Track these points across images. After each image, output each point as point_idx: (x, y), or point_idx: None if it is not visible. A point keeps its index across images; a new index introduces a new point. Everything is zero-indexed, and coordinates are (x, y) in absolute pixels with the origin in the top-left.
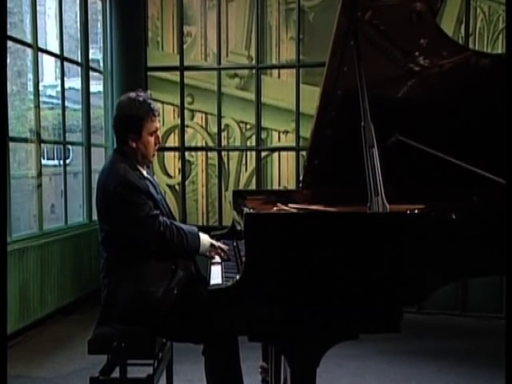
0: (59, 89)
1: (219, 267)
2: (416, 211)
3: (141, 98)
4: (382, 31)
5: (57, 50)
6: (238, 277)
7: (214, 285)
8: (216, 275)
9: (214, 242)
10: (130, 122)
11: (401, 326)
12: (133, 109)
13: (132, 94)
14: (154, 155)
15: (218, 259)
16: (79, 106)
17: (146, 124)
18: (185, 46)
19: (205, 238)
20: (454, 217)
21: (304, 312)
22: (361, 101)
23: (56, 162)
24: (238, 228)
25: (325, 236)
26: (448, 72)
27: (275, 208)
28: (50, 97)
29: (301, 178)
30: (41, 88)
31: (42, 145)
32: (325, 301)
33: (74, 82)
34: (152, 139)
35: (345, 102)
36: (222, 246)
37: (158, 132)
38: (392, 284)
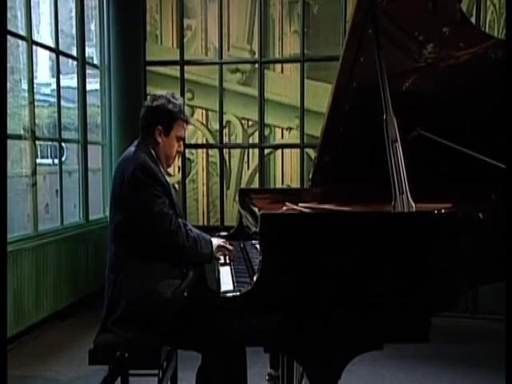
0: (54, 87)
1: (228, 269)
2: (443, 211)
3: (177, 102)
4: (396, 21)
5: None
6: (251, 282)
7: (226, 291)
8: (226, 280)
9: (221, 243)
10: (164, 115)
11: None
12: (169, 105)
13: (168, 94)
14: (172, 162)
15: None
16: (74, 105)
17: (178, 126)
18: (185, 40)
19: (215, 243)
20: (481, 216)
21: (325, 320)
22: (382, 91)
23: (50, 160)
24: (253, 229)
25: (348, 237)
26: (465, 64)
27: (284, 207)
28: (45, 95)
29: (310, 176)
30: (34, 86)
31: (36, 143)
32: (348, 308)
33: (69, 81)
34: (176, 145)
35: (360, 95)
36: (228, 246)
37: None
38: (420, 289)
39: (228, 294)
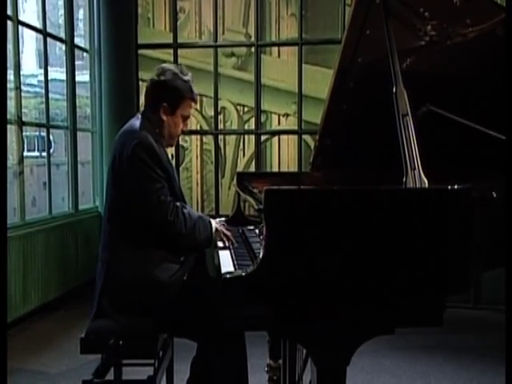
0: (41, 78)
1: (228, 253)
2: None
3: (186, 78)
4: None
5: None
6: (255, 263)
7: (227, 272)
8: (227, 263)
9: (219, 227)
10: (171, 92)
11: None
12: (177, 81)
13: (177, 68)
14: (174, 142)
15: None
16: (62, 97)
17: (185, 105)
18: (178, 23)
19: (214, 226)
20: (494, 195)
21: (335, 301)
22: (391, 64)
23: (37, 153)
24: (256, 207)
25: (357, 214)
26: (472, 42)
27: None
28: (31, 85)
29: (310, 160)
30: (21, 73)
31: (24, 134)
32: (358, 289)
33: (57, 74)
34: (181, 125)
35: (366, 71)
36: (225, 230)
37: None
38: (435, 269)
39: (232, 275)
